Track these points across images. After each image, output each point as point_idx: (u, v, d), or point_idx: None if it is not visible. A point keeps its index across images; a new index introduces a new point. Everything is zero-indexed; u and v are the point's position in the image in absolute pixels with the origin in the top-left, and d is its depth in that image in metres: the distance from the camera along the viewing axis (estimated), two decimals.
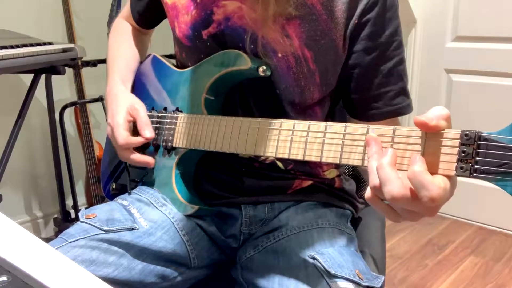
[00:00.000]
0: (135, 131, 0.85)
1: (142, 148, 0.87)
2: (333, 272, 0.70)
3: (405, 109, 0.80)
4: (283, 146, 0.66)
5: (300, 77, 0.78)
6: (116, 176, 0.97)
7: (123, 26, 1.03)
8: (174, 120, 0.84)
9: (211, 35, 0.80)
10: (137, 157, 0.84)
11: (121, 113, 0.84)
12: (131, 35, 1.01)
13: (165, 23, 0.93)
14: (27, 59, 1.53)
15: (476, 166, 0.48)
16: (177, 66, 0.90)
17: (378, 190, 0.53)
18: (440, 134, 0.51)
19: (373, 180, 0.53)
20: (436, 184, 0.49)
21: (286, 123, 0.66)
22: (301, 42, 0.76)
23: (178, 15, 0.84)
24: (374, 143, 0.56)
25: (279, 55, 0.76)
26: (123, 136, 0.82)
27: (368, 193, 0.55)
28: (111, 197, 0.96)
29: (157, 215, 0.81)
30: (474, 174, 0.48)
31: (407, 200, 0.50)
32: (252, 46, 0.77)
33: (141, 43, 1.02)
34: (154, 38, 1.12)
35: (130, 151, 0.84)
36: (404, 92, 0.79)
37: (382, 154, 0.53)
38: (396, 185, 0.50)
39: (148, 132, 0.82)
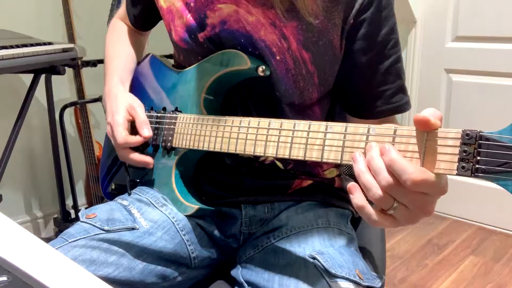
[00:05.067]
0: (133, 131, 0.85)
1: (141, 148, 0.87)
2: (333, 272, 0.69)
3: (404, 107, 0.80)
4: (284, 147, 0.65)
5: (299, 79, 0.78)
6: (115, 176, 0.97)
7: (120, 27, 1.03)
8: (173, 120, 0.84)
9: (207, 38, 0.80)
10: (136, 156, 0.84)
11: (121, 112, 0.84)
12: (127, 35, 1.01)
13: (162, 23, 0.93)
14: (27, 59, 1.53)
15: (477, 166, 0.48)
16: (175, 67, 0.90)
17: (382, 200, 0.53)
18: (441, 134, 0.51)
19: (374, 192, 0.54)
20: (417, 167, 0.51)
21: (286, 123, 0.66)
22: (298, 44, 0.76)
23: (174, 19, 0.84)
24: (361, 159, 0.56)
25: (277, 57, 0.76)
26: (122, 135, 0.82)
27: (363, 208, 0.56)
28: (110, 196, 0.96)
29: (157, 215, 0.81)
30: (476, 174, 0.48)
31: (401, 188, 0.52)
32: (250, 49, 0.77)
33: (138, 43, 1.02)
34: (152, 38, 1.12)
35: (129, 151, 0.84)
36: (402, 90, 0.80)
37: (368, 151, 0.55)
38: (386, 173, 0.52)
39: (146, 130, 0.82)
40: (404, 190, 0.52)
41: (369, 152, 0.55)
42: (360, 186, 0.56)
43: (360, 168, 0.55)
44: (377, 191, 0.54)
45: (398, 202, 0.53)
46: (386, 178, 0.52)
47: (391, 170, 0.52)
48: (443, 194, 0.52)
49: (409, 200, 0.53)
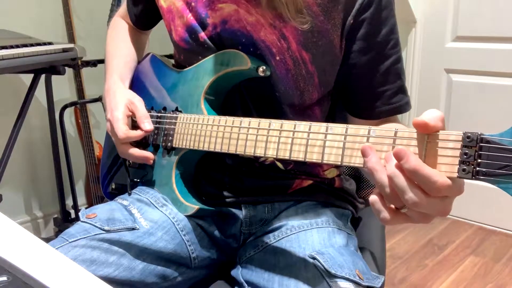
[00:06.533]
0: (134, 128, 0.85)
1: (141, 148, 0.87)
2: (333, 272, 0.70)
3: (404, 107, 0.80)
4: (284, 148, 0.65)
5: (299, 79, 0.78)
6: (115, 176, 0.97)
7: (121, 25, 1.03)
8: (173, 120, 0.84)
9: (208, 38, 0.80)
10: (136, 152, 0.83)
11: (120, 108, 0.84)
12: (128, 34, 1.01)
13: (163, 23, 0.93)
14: (27, 59, 1.53)
15: (478, 168, 0.48)
16: (175, 67, 0.90)
17: (395, 200, 0.52)
18: (442, 136, 0.51)
19: (387, 191, 0.52)
20: (438, 172, 0.49)
21: (287, 124, 0.65)
22: (298, 44, 0.76)
23: (174, 19, 0.84)
24: (372, 153, 0.54)
25: (277, 58, 0.76)
26: (122, 129, 0.82)
27: (380, 209, 0.54)
28: (110, 196, 0.96)
29: (157, 215, 0.81)
30: (476, 176, 0.48)
31: (427, 202, 0.49)
32: (251, 49, 0.77)
33: (139, 42, 1.02)
34: (152, 38, 1.12)
35: (129, 146, 0.84)
36: (402, 90, 0.80)
37: (387, 161, 0.52)
38: (415, 191, 0.49)
39: (147, 124, 0.82)
40: (430, 199, 0.50)
41: (389, 164, 0.52)
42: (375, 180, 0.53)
43: (383, 180, 0.52)
44: (397, 201, 0.52)
45: None
46: (412, 197, 0.49)
47: (413, 177, 0.49)
48: (460, 194, 0.51)
49: (429, 205, 0.50)
